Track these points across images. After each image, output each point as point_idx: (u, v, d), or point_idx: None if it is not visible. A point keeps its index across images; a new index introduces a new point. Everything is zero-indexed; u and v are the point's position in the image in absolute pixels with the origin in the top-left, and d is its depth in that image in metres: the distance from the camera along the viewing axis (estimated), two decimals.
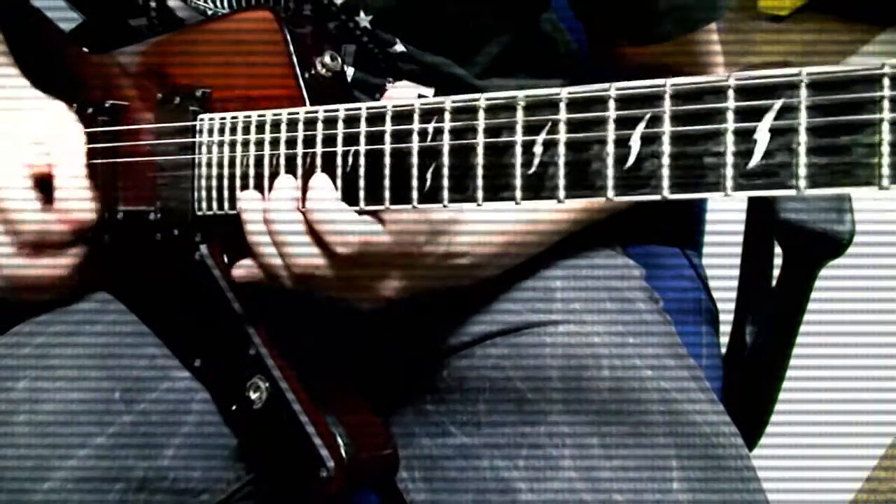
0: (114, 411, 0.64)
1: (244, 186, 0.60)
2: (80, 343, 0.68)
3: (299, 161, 0.56)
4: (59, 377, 0.65)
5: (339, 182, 0.55)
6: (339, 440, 0.58)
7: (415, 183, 0.51)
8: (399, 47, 0.68)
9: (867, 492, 1.48)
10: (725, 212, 1.00)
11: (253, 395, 0.61)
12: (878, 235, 1.26)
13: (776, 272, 0.78)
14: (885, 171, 0.36)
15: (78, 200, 0.67)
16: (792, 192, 0.38)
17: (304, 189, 0.56)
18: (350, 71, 0.69)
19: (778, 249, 0.76)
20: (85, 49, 0.73)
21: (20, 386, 0.65)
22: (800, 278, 0.75)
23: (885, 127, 0.36)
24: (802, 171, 0.38)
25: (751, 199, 0.86)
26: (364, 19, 0.67)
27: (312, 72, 0.60)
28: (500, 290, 0.68)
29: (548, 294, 0.67)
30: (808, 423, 1.33)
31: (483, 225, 0.61)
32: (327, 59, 0.60)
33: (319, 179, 0.55)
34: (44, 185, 0.68)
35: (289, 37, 0.60)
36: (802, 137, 0.38)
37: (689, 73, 0.47)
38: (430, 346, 0.68)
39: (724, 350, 0.88)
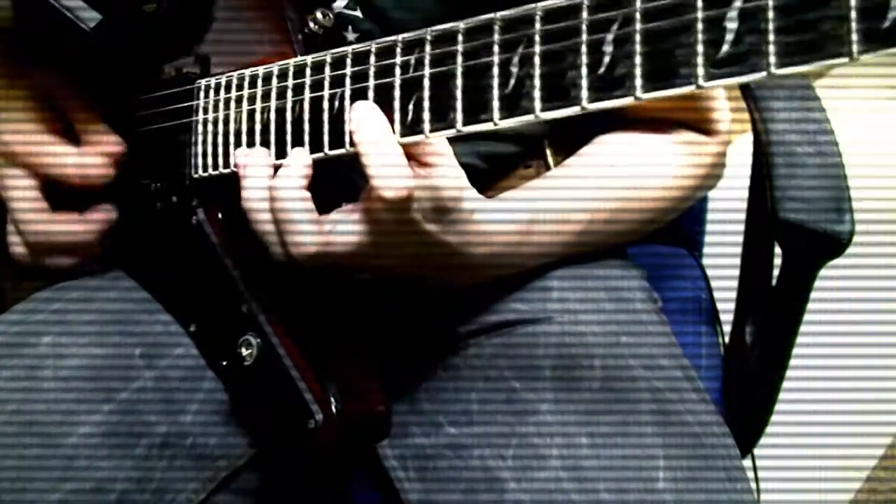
0: (133, 374, 0.65)
1: (237, 143, 0.60)
2: (96, 309, 0.69)
3: (288, 106, 0.57)
4: (78, 338, 0.66)
5: (325, 126, 0.54)
6: (329, 392, 0.57)
7: (397, 116, 0.51)
8: None
9: (867, 492, 1.48)
10: (725, 212, 1.00)
11: (244, 352, 0.60)
12: (878, 235, 1.26)
13: (776, 272, 0.78)
14: (854, 38, 0.36)
15: (104, 133, 0.69)
16: (763, 75, 0.38)
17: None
18: None
19: (778, 249, 0.76)
20: (84, 27, 0.73)
21: (44, 342, 0.66)
22: (800, 278, 0.75)
23: None
24: (772, 51, 0.38)
25: (750, 199, 0.85)
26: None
27: (306, 31, 0.61)
28: (496, 285, 0.68)
29: (544, 291, 0.67)
30: (808, 423, 1.33)
31: (485, 223, 0.60)
32: (319, 16, 0.61)
33: (367, 107, 0.52)
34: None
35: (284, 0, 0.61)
36: (770, 14, 0.38)
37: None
38: (425, 340, 0.68)
39: (723, 350, 0.88)
